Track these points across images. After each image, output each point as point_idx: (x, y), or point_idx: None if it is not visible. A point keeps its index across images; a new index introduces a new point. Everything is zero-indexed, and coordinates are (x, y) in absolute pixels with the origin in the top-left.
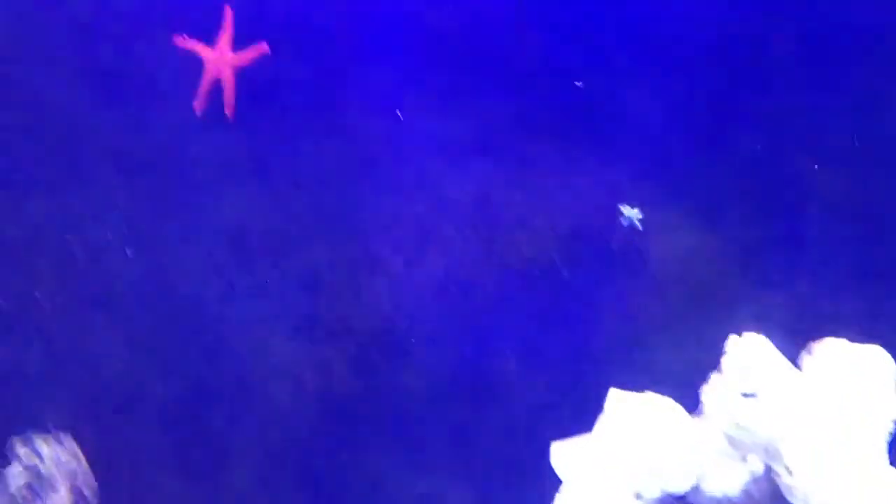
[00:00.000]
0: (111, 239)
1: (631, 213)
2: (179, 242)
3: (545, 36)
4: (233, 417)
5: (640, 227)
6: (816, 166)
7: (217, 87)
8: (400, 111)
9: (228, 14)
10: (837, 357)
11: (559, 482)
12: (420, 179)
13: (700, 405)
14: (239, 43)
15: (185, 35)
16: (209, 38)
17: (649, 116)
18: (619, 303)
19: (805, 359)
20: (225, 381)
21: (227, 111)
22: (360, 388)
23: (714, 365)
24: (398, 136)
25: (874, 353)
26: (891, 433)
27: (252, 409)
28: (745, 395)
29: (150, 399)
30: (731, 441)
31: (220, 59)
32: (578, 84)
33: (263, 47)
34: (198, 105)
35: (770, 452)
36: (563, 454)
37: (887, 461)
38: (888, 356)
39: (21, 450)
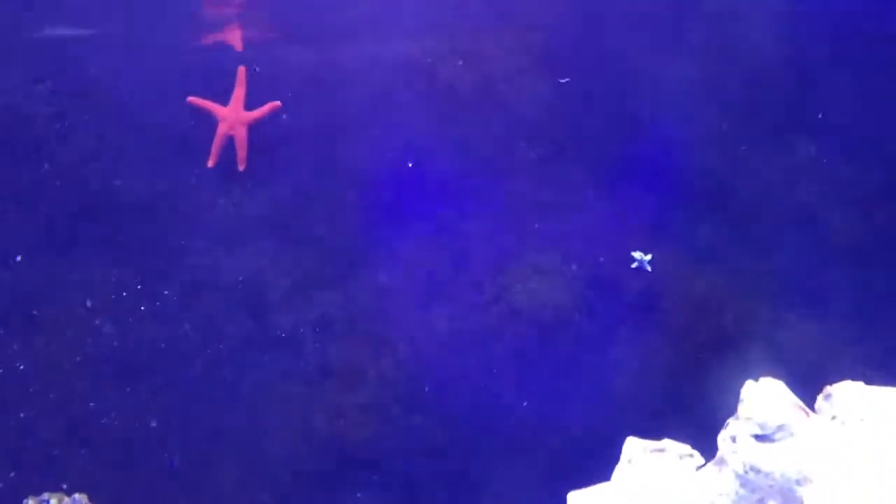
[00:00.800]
0: (126, 295)
1: (643, 258)
2: (193, 297)
3: (556, 84)
4: (247, 467)
5: (649, 270)
6: (825, 208)
7: (230, 143)
8: (410, 161)
9: (241, 73)
10: (854, 400)
11: None
12: (432, 228)
13: (717, 451)
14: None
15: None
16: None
17: (661, 161)
18: (633, 349)
19: (821, 402)
20: (240, 431)
21: (240, 166)
22: (373, 438)
23: (731, 411)
24: (408, 184)
25: (890, 395)
26: None
27: (266, 458)
28: (762, 439)
29: (167, 453)
30: (749, 486)
31: (234, 116)
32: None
33: (276, 104)
34: (211, 161)
35: (787, 497)
36: (581, 503)
37: None
38: None
39: None
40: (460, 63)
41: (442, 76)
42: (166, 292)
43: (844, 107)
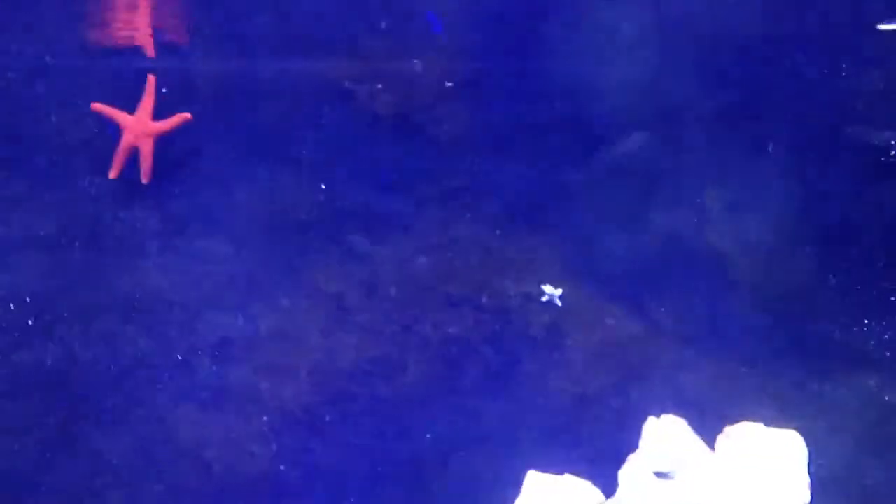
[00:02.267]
0: (13, 309)
1: (553, 292)
2: (86, 313)
3: (470, 114)
4: (133, 497)
5: (559, 304)
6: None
7: (134, 155)
8: (323, 183)
9: (151, 82)
10: (752, 440)
11: None
12: (340, 252)
13: (617, 487)
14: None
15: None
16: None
17: (573, 199)
18: (538, 382)
19: (720, 441)
20: (127, 456)
21: (144, 179)
22: (269, 471)
23: (633, 447)
24: (318, 207)
25: (788, 437)
26: None
27: (154, 486)
28: (660, 475)
29: (49, 475)
30: None
31: (140, 126)
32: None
33: (185, 116)
34: (113, 172)
35: None
36: None
37: None
38: (801, 441)
39: None
40: (379, 86)
41: (360, 97)
42: (57, 307)
43: (755, 153)
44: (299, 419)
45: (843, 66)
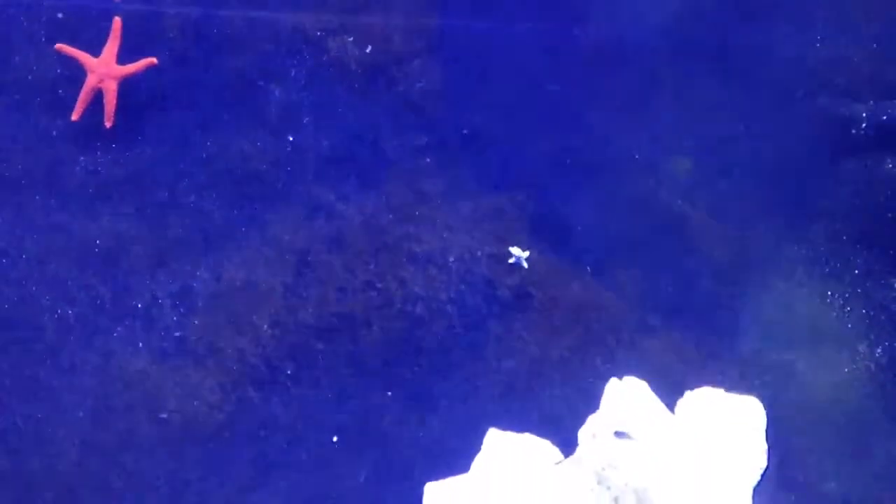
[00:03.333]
0: None
1: (520, 254)
2: (44, 258)
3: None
4: (88, 448)
5: (526, 267)
6: (702, 211)
7: (98, 98)
8: (290, 136)
9: (117, 23)
10: (711, 405)
11: None
12: (306, 206)
13: (577, 447)
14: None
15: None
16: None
17: (541, 158)
18: (501, 343)
19: (680, 405)
20: (82, 406)
21: (107, 122)
22: (226, 422)
23: (594, 409)
24: (285, 159)
25: (747, 402)
26: (756, 482)
27: (109, 431)
28: (619, 434)
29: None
30: (604, 483)
31: (104, 69)
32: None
33: (151, 61)
34: (75, 114)
35: (641, 498)
36: (437, 495)
37: None
38: (760, 407)
39: None
40: (350, 39)
41: (332, 50)
42: (14, 250)
43: (730, 119)
44: (260, 373)
45: (817, 35)
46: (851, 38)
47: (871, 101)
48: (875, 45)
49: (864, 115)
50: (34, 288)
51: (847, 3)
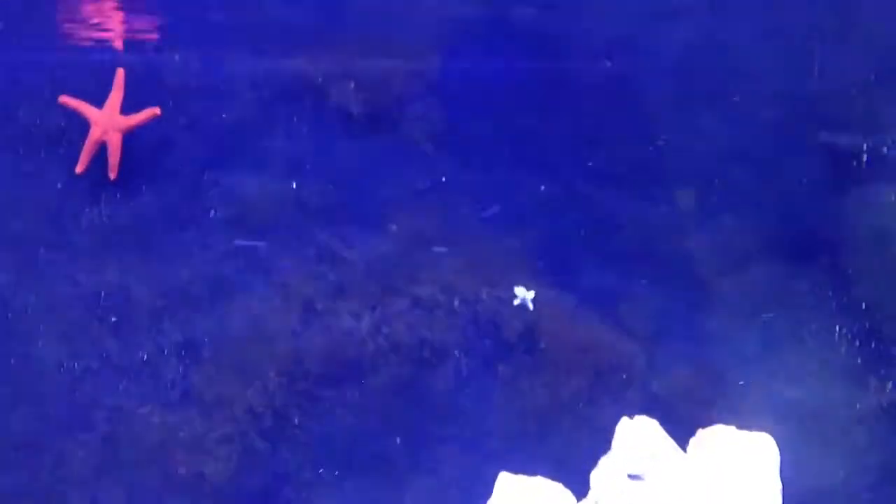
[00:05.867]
0: None
1: (525, 295)
2: (50, 310)
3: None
4: (95, 500)
5: (531, 308)
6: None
7: (102, 149)
8: (294, 181)
9: (120, 75)
10: (724, 443)
11: None
12: (311, 252)
13: (590, 489)
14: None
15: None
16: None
17: (544, 199)
18: (510, 386)
19: (692, 443)
20: (90, 459)
21: (111, 175)
22: (235, 474)
23: (607, 449)
24: (288, 205)
25: (760, 440)
26: None
27: (117, 487)
28: (633, 477)
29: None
30: None
31: (108, 121)
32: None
33: (154, 111)
34: (80, 167)
35: None
36: None
37: None
38: (773, 444)
39: None
40: (351, 84)
41: (333, 95)
42: (19, 304)
43: (730, 153)
44: (267, 422)
45: (815, 69)
46: (850, 72)
47: (871, 135)
48: (873, 79)
49: (864, 147)
50: (40, 342)
51: (843, 38)
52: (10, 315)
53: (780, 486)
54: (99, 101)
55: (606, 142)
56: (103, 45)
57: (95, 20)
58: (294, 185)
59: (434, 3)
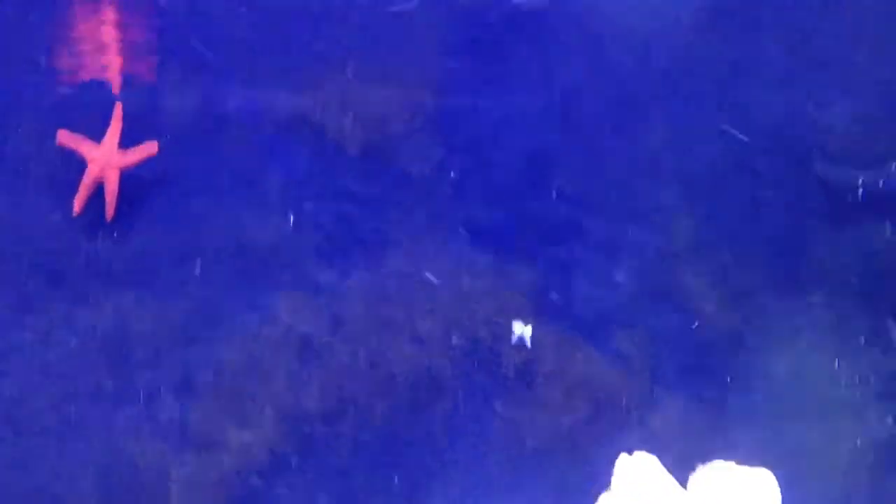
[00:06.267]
0: None
1: (523, 329)
2: (46, 348)
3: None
4: None
5: (528, 342)
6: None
7: (99, 187)
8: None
9: (118, 109)
10: (724, 479)
11: None
12: (309, 288)
13: None
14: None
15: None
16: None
17: (542, 233)
18: (508, 422)
19: (692, 480)
20: (85, 490)
21: (108, 214)
22: None
23: (606, 485)
24: (287, 242)
25: (760, 476)
26: None
27: None
28: None
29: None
30: None
31: (105, 158)
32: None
33: (153, 147)
34: (77, 206)
35: None
36: None
37: None
38: (773, 480)
39: None
40: (349, 119)
41: (331, 131)
42: (15, 342)
43: (728, 186)
44: (264, 461)
45: (811, 102)
46: (847, 105)
47: (867, 168)
48: (870, 112)
49: (860, 181)
50: (35, 380)
51: (840, 71)
52: (4, 353)
53: None
54: (97, 136)
55: (601, 172)
56: (101, 81)
57: (93, 57)
58: (291, 220)
59: (432, 36)
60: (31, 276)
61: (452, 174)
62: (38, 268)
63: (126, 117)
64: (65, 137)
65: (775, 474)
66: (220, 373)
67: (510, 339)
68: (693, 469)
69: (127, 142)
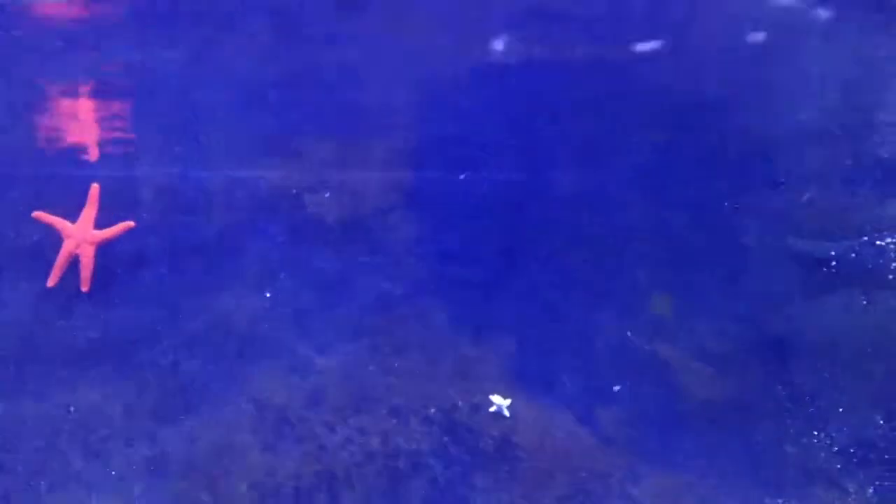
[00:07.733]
0: None
1: (502, 402)
2: (18, 426)
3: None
4: None
5: (508, 415)
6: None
7: (75, 262)
8: (268, 292)
9: (94, 190)
10: None
11: None
12: (284, 364)
13: None
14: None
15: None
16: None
17: (520, 306)
18: (488, 495)
19: None
20: None
21: (83, 287)
22: None
23: None
24: (262, 317)
25: None
26: None
27: None
28: None
29: None
30: None
31: (81, 234)
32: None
33: (129, 225)
34: (51, 280)
35: None
36: None
37: None
38: None
39: None
40: (327, 194)
41: (309, 206)
42: None
43: (705, 263)
44: None
45: (783, 182)
46: (817, 183)
47: (839, 242)
48: (839, 189)
49: (832, 254)
50: (8, 457)
51: (808, 153)
52: None
53: None
54: (73, 215)
55: (578, 249)
56: (80, 159)
57: (73, 136)
58: (268, 295)
59: (411, 116)
60: (6, 353)
61: (429, 247)
62: (12, 344)
63: (103, 193)
64: (41, 215)
65: None
66: (194, 449)
67: (489, 411)
68: None
69: (103, 216)
